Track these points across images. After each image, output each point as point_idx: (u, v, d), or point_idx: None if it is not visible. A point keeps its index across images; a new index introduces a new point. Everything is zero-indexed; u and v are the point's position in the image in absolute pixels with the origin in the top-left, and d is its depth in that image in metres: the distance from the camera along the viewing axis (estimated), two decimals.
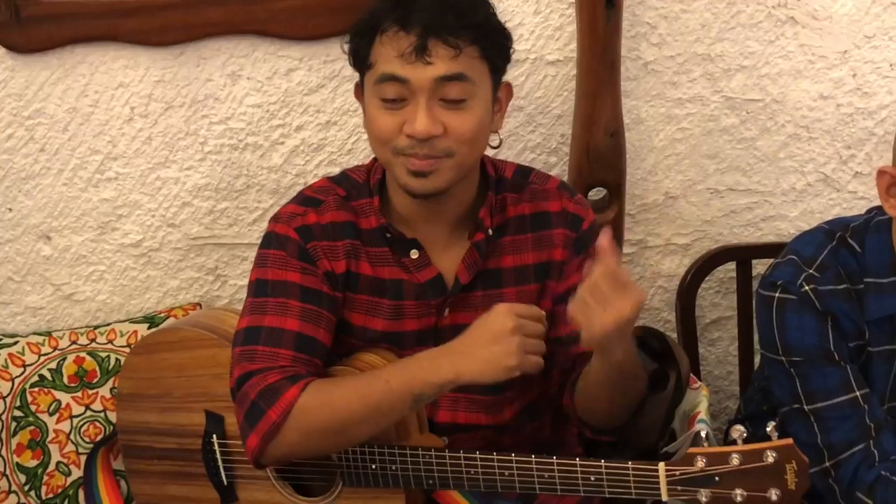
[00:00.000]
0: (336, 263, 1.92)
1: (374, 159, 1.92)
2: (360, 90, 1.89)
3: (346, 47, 1.86)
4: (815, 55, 2.43)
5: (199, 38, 2.30)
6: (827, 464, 1.90)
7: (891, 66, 2.44)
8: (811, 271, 1.93)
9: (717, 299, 2.59)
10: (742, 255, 2.47)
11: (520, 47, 2.31)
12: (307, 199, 1.96)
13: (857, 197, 2.54)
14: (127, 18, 2.27)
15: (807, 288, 1.92)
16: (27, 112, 2.32)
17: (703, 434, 1.96)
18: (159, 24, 2.28)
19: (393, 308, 1.94)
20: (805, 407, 1.92)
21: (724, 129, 2.48)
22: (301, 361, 1.85)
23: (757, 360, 2.44)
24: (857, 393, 1.91)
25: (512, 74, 2.28)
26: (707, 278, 2.49)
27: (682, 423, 2.18)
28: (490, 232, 1.93)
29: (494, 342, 1.78)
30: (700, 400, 2.19)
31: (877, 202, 2.37)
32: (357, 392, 1.81)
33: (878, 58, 2.43)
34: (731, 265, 2.49)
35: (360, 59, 1.84)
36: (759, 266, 2.47)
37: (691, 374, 2.24)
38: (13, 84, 2.30)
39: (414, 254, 1.92)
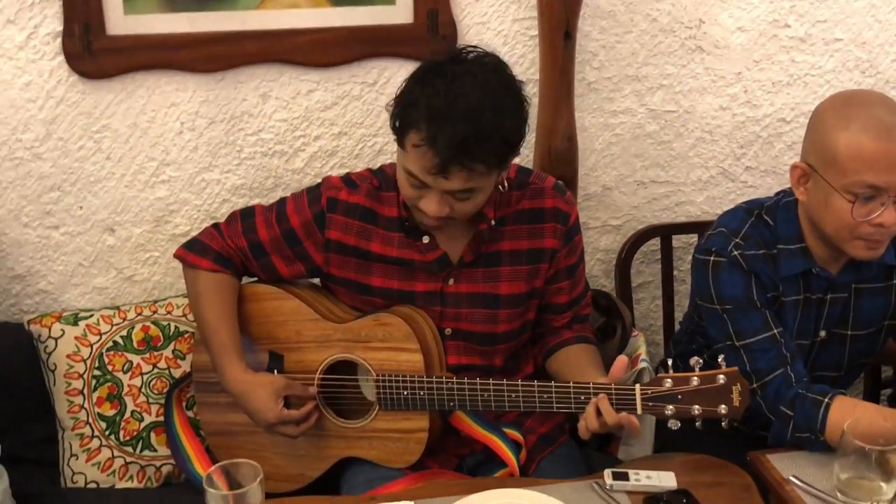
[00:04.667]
0: (346, 237, 2.10)
1: None
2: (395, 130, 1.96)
3: (388, 111, 1.95)
4: (716, 75, 2.65)
5: (237, 66, 2.42)
6: (755, 385, 2.01)
7: (773, 83, 2.68)
8: (737, 240, 2.04)
9: (642, 268, 2.81)
10: (665, 232, 2.67)
11: None
12: (349, 180, 2.14)
13: (747, 186, 2.78)
14: (179, 50, 2.38)
15: (735, 253, 2.03)
16: (95, 127, 2.41)
17: (646, 369, 2.26)
18: (205, 55, 2.39)
19: (405, 272, 2.10)
20: (736, 343, 2.04)
21: (647, 134, 2.67)
22: (242, 254, 2.15)
23: (677, 314, 2.67)
24: (775, 331, 2.02)
25: None
26: (637, 251, 2.67)
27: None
28: (493, 223, 2.07)
29: (255, 412, 2.08)
30: (640, 345, 2.42)
31: (761, 191, 2.63)
32: (210, 314, 2.13)
33: (764, 77, 2.67)
34: (656, 241, 2.68)
35: (397, 136, 1.93)
36: (675, 241, 2.69)
37: (632, 326, 2.45)
38: (84, 104, 2.39)
39: (426, 239, 2.08)
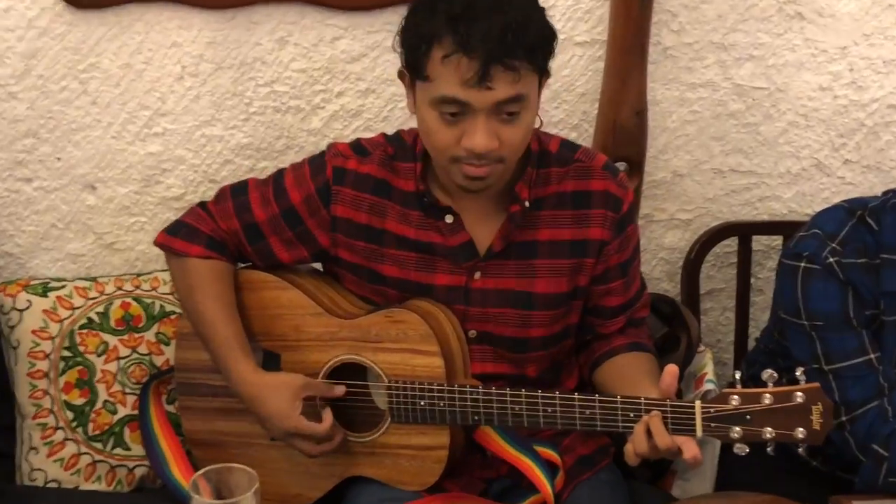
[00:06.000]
0: (356, 213, 2.01)
1: None
2: (405, 77, 1.89)
3: (397, 46, 1.86)
4: (817, 49, 2.51)
5: (250, 4, 2.31)
6: (844, 418, 1.96)
7: (884, 62, 2.53)
8: (834, 245, 1.98)
9: (713, 272, 2.67)
10: (744, 231, 2.55)
11: None
12: (359, 146, 2.04)
13: (845, 182, 2.63)
14: None
15: (831, 260, 1.97)
16: (82, 66, 2.31)
17: (713, 391, 2.13)
18: None
19: (423, 261, 2.00)
20: (824, 367, 1.98)
21: (731, 114, 2.54)
22: (235, 238, 2.07)
23: (752, 329, 2.56)
24: (872, 356, 1.97)
25: None
26: (708, 252, 2.56)
27: (688, 383, 2.27)
28: (527, 204, 1.97)
29: (268, 419, 1.98)
30: (706, 362, 2.32)
31: (861, 190, 2.55)
32: (208, 307, 2.03)
33: (874, 55, 2.52)
34: (730, 241, 2.56)
35: (415, 69, 1.83)
36: (755, 242, 2.57)
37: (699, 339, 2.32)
38: (70, 38, 2.28)
39: (449, 218, 1.97)
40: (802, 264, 2.00)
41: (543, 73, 1.87)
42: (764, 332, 2.31)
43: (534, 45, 1.79)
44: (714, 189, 2.63)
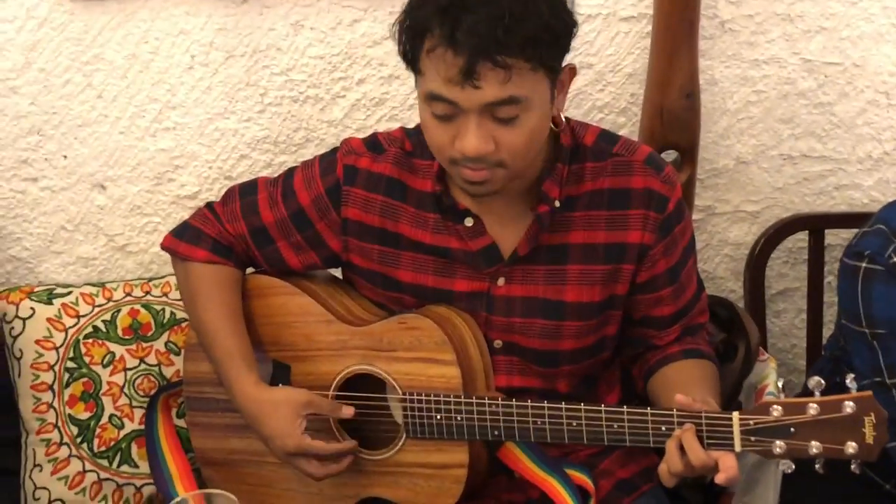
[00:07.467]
0: (368, 216, 1.97)
1: None
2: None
3: (395, 38, 1.82)
4: None
5: None
6: None
7: None
8: None
9: (785, 270, 2.59)
10: (815, 224, 2.47)
11: (592, 2, 2.29)
12: (373, 142, 2.00)
13: None
14: None
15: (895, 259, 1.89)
16: (86, 57, 2.32)
17: None
18: None
19: (441, 266, 1.97)
20: (888, 380, 1.89)
21: (800, 93, 2.47)
22: (243, 242, 2.04)
23: (825, 333, 2.45)
24: None
25: (583, 30, 2.31)
26: (776, 248, 2.48)
27: (748, 395, 2.19)
28: (557, 204, 1.92)
29: (270, 438, 1.94)
30: (768, 372, 2.22)
31: None
32: (211, 316, 2.01)
33: None
34: (802, 235, 2.48)
35: (410, 61, 1.81)
36: (831, 236, 2.48)
37: (759, 347, 2.24)
38: (72, 28, 2.29)
39: (469, 222, 1.93)
40: (864, 264, 1.92)
41: (552, 68, 1.78)
42: (830, 339, 2.24)
43: (530, 39, 1.71)
44: (783, 177, 2.54)
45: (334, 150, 2.03)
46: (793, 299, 2.62)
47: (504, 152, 1.79)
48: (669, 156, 2.31)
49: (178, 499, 1.71)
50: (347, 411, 1.95)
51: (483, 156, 1.77)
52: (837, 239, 2.53)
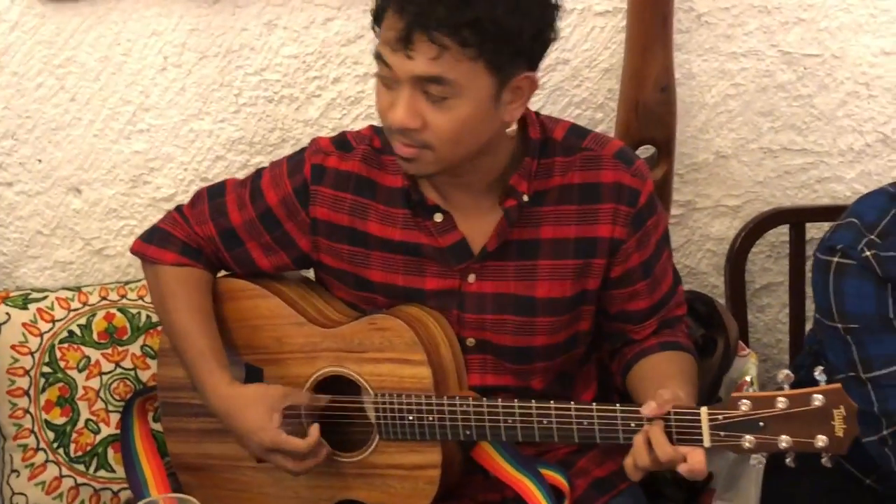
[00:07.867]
0: (337, 215, 1.97)
1: None
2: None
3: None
4: (877, 8, 2.40)
5: None
6: (885, 432, 1.86)
7: None
8: (872, 237, 1.90)
9: (768, 264, 2.59)
10: (796, 217, 2.46)
11: None
12: (341, 141, 2.01)
13: None
14: None
15: (867, 253, 1.88)
16: (58, 60, 2.32)
17: None
18: None
19: (411, 264, 1.97)
20: (862, 375, 1.88)
21: (779, 86, 2.46)
22: (212, 244, 2.04)
23: (808, 327, 2.43)
24: None
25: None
26: (758, 242, 2.49)
27: (728, 391, 2.18)
28: (525, 198, 1.92)
29: (245, 435, 1.93)
30: (748, 368, 2.23)
31: None
32: (181, 317, 2.01)
33: None
34: (784, 228, 2.48)
35: (376, 21, 1.83)
36: (814, 230, 2.48)
37: (740, 342, 2.26)
38: (44, 31, 2.29)
39: (438, 217, 1.93)
40: (836, 259, 1.92)
41: (498, 67, 1.76)
42: (810, 333, 2.24)
43: (471, 26, 1.69)
44: (764, 171, 2.54)
45: (302, 150, 2.03)
46: (776, 294, 2.62)
47: (430, 134, 1.79)
48: (647, 151, 2.31)
49: (148, 499, 1.73)
50: (323, 400, 1.95)
51: (407, 129, 1.78)
52: (820, 232, 2.44)
